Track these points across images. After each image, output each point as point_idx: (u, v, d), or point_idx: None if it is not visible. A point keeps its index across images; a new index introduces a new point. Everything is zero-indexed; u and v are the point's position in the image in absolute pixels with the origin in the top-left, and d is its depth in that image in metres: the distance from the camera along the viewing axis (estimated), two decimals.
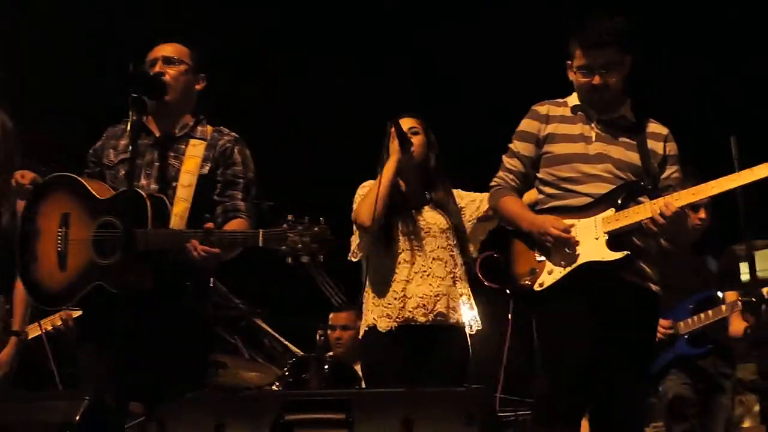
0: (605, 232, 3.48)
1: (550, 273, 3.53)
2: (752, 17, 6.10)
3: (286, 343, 5.62)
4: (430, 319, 4.00)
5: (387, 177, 4.06)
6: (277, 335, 5.85)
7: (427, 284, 4.04)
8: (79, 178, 3.42)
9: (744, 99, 6.32)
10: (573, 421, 3.46)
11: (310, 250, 3.10)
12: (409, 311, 3.99)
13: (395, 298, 4.02)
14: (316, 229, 3.11)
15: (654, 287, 3.57)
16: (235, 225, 3.43)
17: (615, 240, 3.47)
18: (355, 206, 4.15)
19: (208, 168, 3.47)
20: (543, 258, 3.57)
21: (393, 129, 4.07)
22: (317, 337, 5.26)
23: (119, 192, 3.32)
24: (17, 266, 3.41)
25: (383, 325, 4.03)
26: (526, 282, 3.58)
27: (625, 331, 3.45)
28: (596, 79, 3.54)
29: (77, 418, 2.57)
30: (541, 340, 3.66)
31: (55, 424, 2.58)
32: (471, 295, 4.22)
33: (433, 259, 4.08)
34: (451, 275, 4.11)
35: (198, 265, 3.24)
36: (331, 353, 5.53)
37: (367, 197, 4.07)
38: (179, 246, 3.22)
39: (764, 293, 4.30)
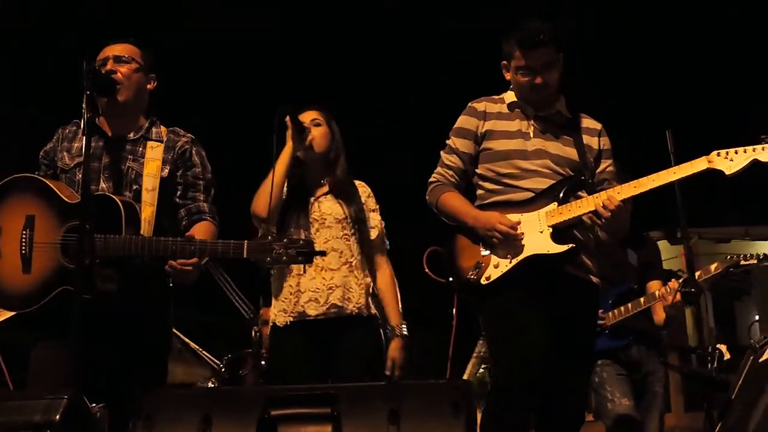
0: (549, 226, 3.71)
1: (496, 266, 3.74)
2: (690, 10, 6.34)
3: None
4: (323, 311, 4.10)
5: (279, 167, 4.16)
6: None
7: (321, 277, 4.14)
8: (45, 180, 3.49)
9: (679, 92, 6.57)
10: (525, 410, 3.65)
11: (295, 263, 3.30)
12: (302, 305, 4.11)
13: (290, 293, 4.15)
14: (301, 241, 3.28)
15: (594, 279, 3.84)
16: (202, 228, 3.57)
17: (559, 233, 3.71)
18: (254, 199, 4.23)
19: (167, 170, 3.60)
20: (488, 252, 3.76)
21: (288, 119, 4.18)
22: (252, 333, 5.32)
23: (90, 196, 3.31)
24: None
25: (281, 321, 4.17)
26: (472, 276, 3.76)
27: (569, 322, 3.69)
28: (539, 79, 3.77)
29: (58, 417, 2.55)
30: (490, 333, 3.90)
31: (35, 424, 2.56)
32: (370, 284, 4.31)
33: (327, 250, 4.12)
34: (347, 265, 4.20)
35: (177, 279, 3.38)
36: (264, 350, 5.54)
37: (262, 189, 4.16)
38: (156, 254, 3.32)
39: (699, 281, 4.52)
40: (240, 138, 6.96)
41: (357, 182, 4.46)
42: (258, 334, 5.32)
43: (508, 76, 3.92)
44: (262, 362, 5.16)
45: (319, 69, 7.25)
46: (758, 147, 3.55)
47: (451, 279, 3.99)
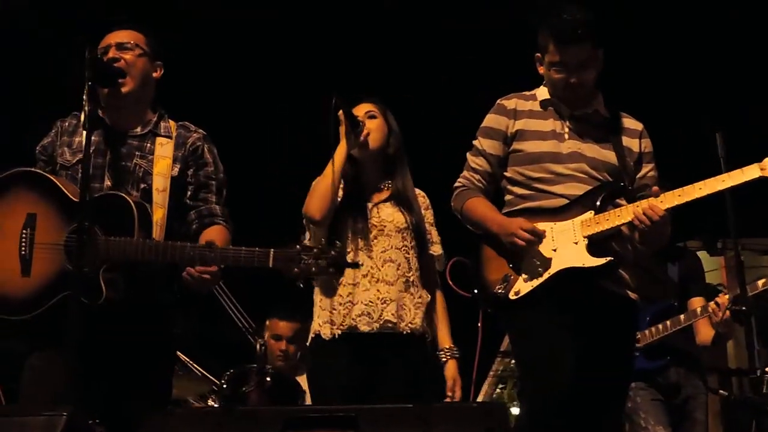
0: (585, 236, 3.65)
1: (526, 280, 3.68)
2: (742, 13, 6.32)
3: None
4: (375, 328, 4.02)
5: (336, 164, 4.07)
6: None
7: (375, 289, 4.06)
8: (51, 177, 3.45)
9: (730, 94, 6.52)
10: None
11: (326, 275, 3.26)
12: (353, 319, 4.03)
13: (340, 304, 4.06)
14: (332, 252, 3.24)
15: (632, 295, 3.78)
16: (214, 232, 3.55)
17: (595, 245, 3.65)
18: (306, 200, 4.14)
19: (177, 169, 3.58)
20: (517, 264, 3.71)
21: (342, 113, 4.10)
22: (257, 347, 5.28)
23: (99, 195, 3.36)
24: None
25: (327, 332, 4.07)
26: (500, 290, 3.71)
27: (604, 342, 3.65)
28: (574, 78, 3.72)
29: None
30: (517, 353, 3.90)
31: None
32: (429, 303, 4.25)
33: (384, 261, 4.10)
34: (404, 279, 4.11)
35: (194, 288, 3.33)
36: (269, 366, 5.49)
37: (316, 189, 4.10)
38: (172, 260, 3.30)
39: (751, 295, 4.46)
40: (246, 134, 6.94)
41: (417, 190, 4.39)
42: (263, 347, 5.31)
43: (541, 70, 3.88)
44: (267, 378, 5.15)
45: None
46: None
47: (476, 292, 3.91)
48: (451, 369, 4.28)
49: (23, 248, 3.32)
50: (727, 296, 4.63)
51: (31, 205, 3.38)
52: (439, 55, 7.09)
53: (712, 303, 4.69)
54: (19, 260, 3.31)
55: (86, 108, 3.15)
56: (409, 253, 4.17)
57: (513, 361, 5.81)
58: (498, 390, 6.43)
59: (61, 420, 2.58)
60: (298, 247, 3.23)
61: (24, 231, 3.33)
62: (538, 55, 3.85)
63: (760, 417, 3.97)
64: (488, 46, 6.72)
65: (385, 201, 4.24)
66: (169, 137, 3.59)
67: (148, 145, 3.56)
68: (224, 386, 5.32)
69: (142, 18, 3.83)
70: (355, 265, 3.62)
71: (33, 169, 3.49)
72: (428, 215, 4.34)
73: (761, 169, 3.50)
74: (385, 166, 4.28)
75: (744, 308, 4.03)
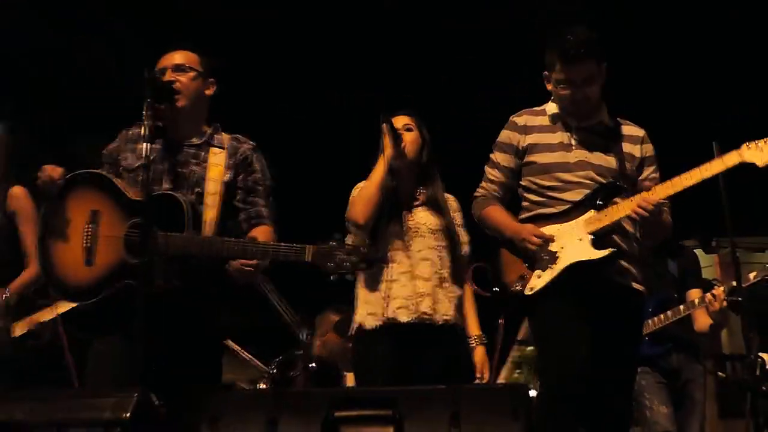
0: (588, 233, 3.68)
1: (539, 277, 3.72)
2: (740, 23, 6.25)
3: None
4: (413, 319, 4.07)
5: (378, 174, 4.16)
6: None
7: (412, 285, 4.11)
8: (112, 178, 3.50)
9: (725, 102, 6.45)
10: (571, 415, 3.57)
11: (357, 269, 3.29)
12: (393, 311, 4.08)
13: (381, 298, 4.12)
14: (363, 249, 3.29)
15: (638, 286, 3.78)
16: (260, 231, 3.58)
17: (599, 240, 3.68)
18: (349, 206, 4.23)
19: (229, 175, 3.61)
20: (531, 263, 3.75)
21: (385, 126, 4.15)
22: (303, 336, 5.31)
23: (156, 195, 3.38)
24: (39, 259, 3.45)
25: (370, 323, 4.12)
26: (517, 287, 3.75)
27: (613, 329, 3.64)
28: (580, 93, 3.72)
29: (128, 414, 2.53)
30: (537, 336, 3.87)
31: (105, 420, 2.55)
32: (460, 296, 4.29)
33: (420, 259, 4.16)
34: (438, 276, 4.17)
35: (238, 279, 3.37)
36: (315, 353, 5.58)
37: (359, 195, 4.18)
38: (218, 253, 3.33)
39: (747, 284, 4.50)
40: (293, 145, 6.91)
41: (447, 195, 4.42)
42: (309, 336, 5.33)
43: (549, 86, 3.86)
44: (312, 365, 5.21)
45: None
46: None
47: (496, 290, 3.98)
48: (479, 354, 4.38)
49: (87, 241, 3.36)
50: (722, 288, 4.65)
51: (94, 203, 3.42)
52: (439, 56, 7.00)
53: (708, 294, 4.70)
54: (83, 252, 3.36)
55: (146, 122, 3.21)
56: (441, 252, 4.22)
57: (528, 348, 5.93)
58: (515, 374, 6.48)
59: (132, 400, 2.57)
60: (332, 244, 3.26)
61: (88, 226, 3.38)
62: (546, 73, 3.83)
63: (754, 396, 3.95)
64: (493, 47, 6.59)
65: (419, 206, 4.28)
66: (222, 147, 3.63)
67: (203, 153, 3.60)
68: (274, 371, 5.41)
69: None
70: (383, 260, 3.71)
71: (95, 171, 3.53)
72: (457, 217, 4.37)
73: (739, 155, 3.47)
74: (420, 175, 4.32)
75: (739, 298, 4.04)
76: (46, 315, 4.39)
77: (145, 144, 3.19)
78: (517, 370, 6.38)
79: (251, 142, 3.73)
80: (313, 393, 3.69)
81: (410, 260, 4.15)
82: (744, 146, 3.48)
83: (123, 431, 2.52)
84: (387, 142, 4.16)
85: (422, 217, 4.25)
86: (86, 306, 3.37)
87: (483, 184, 3.98)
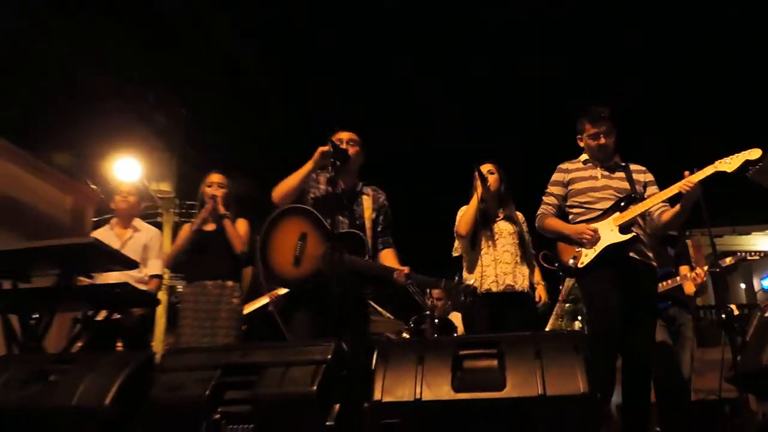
0: (617, 225, 3.99)
1: (586, 255, 4.01)
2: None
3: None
4: (501, 288, 4.48)
5: (474, 202, 4.58)
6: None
7: (499, 267, 4.54)
8: (314, 211, 3.72)
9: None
10: (612, 353, 3.84)
11: (463, 298, 3.84)
12: (488, 285, 4.50)
13: (479, 275, 4.56)
14: (468, 285, 3.99)
15: (652, 262, 4.02)
16: (389, 252, 3.92)
17: (623, 229, 4.00)
18: (456, 223, 4.71)
19: (374, 215, 3.90)
20: (580, 249, 4.06)
21: (476, 173, 4.60)
22: (430, 302, 5.65)
23: (345, 231, 3.70)
24: (259, 258, 3.69)
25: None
26: (572, 263, 4.08)
27: (638, 292, 3.92)
28: (602, 140, 4.10)
29: (330, 356, 2.77)
30: (585, 300, 4.14)
31: (315, 360, 2.80)
32: (530, 275, 4.69)
33: (503, 251, 4.61)
34: (515, 261, 4.60)
35: (397, 281, 3.71)
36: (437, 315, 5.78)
37: (463, 217, 4.64)
38: (376, 273, 3.72)
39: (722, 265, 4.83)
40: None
41: (517, 212, 4.77)
42: (431, 300, 5.74)
43: (581, 143, 4.23)
44: (435, 320, 5.53)
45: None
46: (745, 151, 3.77)
47: (557, 265, 4.57)
48: (540, 290, 4.96)
49: (297, 252, 3.64)
50: (706, 267, 4.97)
51: (302, 227, 3.69)
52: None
53: (693, 272, 5.00)
54: (293, 259, 3.64)
55: (330, 173, 3.60)
56: (516, 247, 4.66)
57: (566, 305, 6.34)
58: (559, 322, 6.74)
59: (332, 347, 2.81)
60: (456, 279, 3.90)
61: (298, 243, 3.65)
62: (579, 136, 4.22)
63: (729, 331, 4.17)
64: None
65: (500, 220, 4.73)
66: (368, 195, 3.92)
67: (359, 198, 3.88)
68: (412, 326, 5.74)
69: None
70: (474, 289, 4.32)
71: (304, 206, 3.77)
72: (524, 226, 4.77)
73: (714, 168, 3.84)
74: (500, 201, 4.77)
75: (717, 270, 4.66)
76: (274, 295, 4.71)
77: (332, 187, 3.57)
78: (559, 320, 6.71)
79: (383, 192, 4.00)
80: (444, 339, 3.96)
81: (497, 252, 4.59)
82: (716, 161, 3.81)
83: (327, 367, 2.75)
84: (478, 182, 4.57)
85: (503, 226, 4.67)
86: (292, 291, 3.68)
87: (543, 206, 4.24)
